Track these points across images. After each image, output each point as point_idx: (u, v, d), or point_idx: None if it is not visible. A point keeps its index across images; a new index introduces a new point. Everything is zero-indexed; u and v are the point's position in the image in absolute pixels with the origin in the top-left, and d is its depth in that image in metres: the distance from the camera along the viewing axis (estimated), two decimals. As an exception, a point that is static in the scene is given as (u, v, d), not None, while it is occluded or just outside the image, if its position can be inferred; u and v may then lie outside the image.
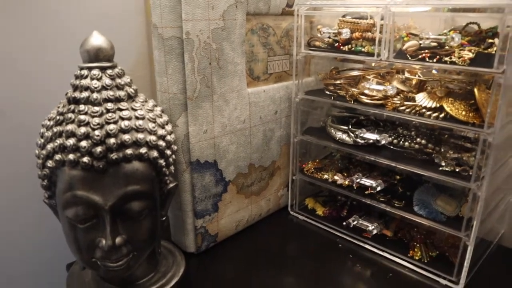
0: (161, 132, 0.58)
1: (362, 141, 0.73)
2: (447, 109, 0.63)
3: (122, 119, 0.54)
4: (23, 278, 0.80)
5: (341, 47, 0.72)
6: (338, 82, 0.76)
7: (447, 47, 0.61)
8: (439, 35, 0.66)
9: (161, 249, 0.67)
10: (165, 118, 0.61)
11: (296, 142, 0.83)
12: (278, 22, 0.79)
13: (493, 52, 0.59)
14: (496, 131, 0.59)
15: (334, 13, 0.76)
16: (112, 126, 0.52)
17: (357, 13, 0.72)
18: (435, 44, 0.63)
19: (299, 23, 0.75)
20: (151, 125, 0.56)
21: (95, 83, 0.54)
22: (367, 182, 0.74)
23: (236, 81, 0.71)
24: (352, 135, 0.75)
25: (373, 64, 0.77)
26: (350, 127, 0.76)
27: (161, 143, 0.57)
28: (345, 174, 0.81)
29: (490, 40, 0.63)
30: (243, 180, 0.78)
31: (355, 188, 0.77)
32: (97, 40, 0.56)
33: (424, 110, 0.65)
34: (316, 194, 0.93)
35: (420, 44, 0.63)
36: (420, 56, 0.63)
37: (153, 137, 0.56)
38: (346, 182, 0.79)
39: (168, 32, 0.63)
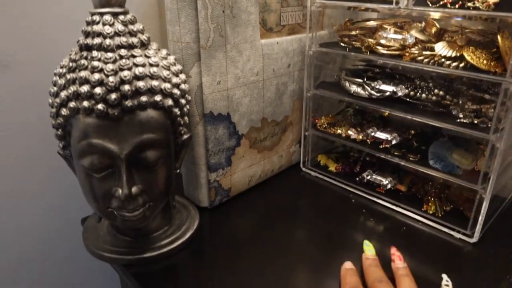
0: (175, 80, 0.56)
1: (378, 94, 0.72)
2: (468, 57, 0.61)
3: (136, 65, 0.52)
4: (38, 234, 0.80)
5: (359, -4, 0.70)
6: (353, 33, 0.74)
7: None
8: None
9: (175, 203, 0.67)
10: (178, 66, 0.59)
11: (309, 97, 0.81)
12: (292, -29, 0.76)
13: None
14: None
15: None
16: (126, 73, 0.51)
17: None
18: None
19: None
20: (165, 73, 0.55)
21: (108, 29, 0.53)
22: (382, 135, 0.73)
23: (249, 31, 0.69)
24: (368, 87, 0.73)
25: (387, 15, 0.74)
26: (365, 79, 0.74)
27: (176, 91, 0.56)
28: (359, 129, 0.80)
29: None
30: (255, 135, 0.76)
31: (369, 142, 0.76)
32: (106, -16, 0.54)
33: (443, 60, 0.63)
34: (328, 150, 0.92)
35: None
36: (441, 2, 0.60)
37: (167, 85, 0.54)
38: (360, 137, 0.78)
39: (180, -23, 0.60)
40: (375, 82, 0.70)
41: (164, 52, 0.58)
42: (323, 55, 0.81)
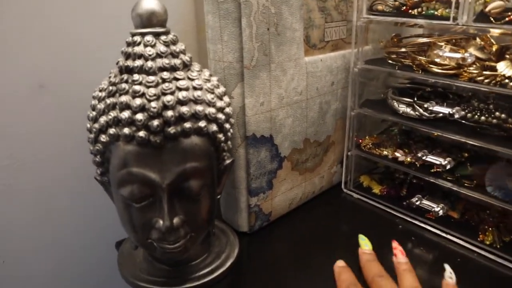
0: (220, 104, 0.53)
1: (430, 115, 0.67)
2: (535, 79, 0.56)
3: (180, 89, 0.49)
4: (71, 256, 0.78)
5: (409, 11, 0.65)
6: (403, 50, 0.69)
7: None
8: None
9: (214, 229, 0.63)
10: (222, 88, 0.56)
11: (353, 116, 0.77)
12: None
13: None
14: None
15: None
16: (169, 97, 0.48)
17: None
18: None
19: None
20: (209, 96, 0.52)
21: (149, 50, 0.50)
22: (435, 159, 0.68)
23: (294, 49, 0.65)
24: (419, 108, 0.68)
25: (437, 30, 0.70)
26: (415, 99, 0.69)
27: (221, 116, 0.53)
28: (406, 151, 0.75)
29: None
30: (298, 156, 0.73)
31: (418, 165, 0.72)
32: (149, 3, 0.51)
33: (507, 81, 0.58)
34: (370, 171, 0.87)
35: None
36: (507, 19, 0.56)
37: (212, 110, 0.51)
38: (408, 159, 0.73)
39: (224, -6, 0.57)
40: (428, 103, 0.66)
41: (207, 73, 0.55)
42: (367, 72, 0.77)
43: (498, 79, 0.60)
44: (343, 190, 0.84)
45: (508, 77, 0.58)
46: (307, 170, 0.76)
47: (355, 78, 0.74)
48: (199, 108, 0.50)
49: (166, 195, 0.49)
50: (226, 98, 0.56)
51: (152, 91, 0.48)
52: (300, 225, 0.74)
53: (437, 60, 0.64)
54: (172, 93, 0.49)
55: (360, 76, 0.75)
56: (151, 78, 0.49)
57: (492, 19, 0.57)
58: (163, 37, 0.51)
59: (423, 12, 0.64)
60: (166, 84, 0.49)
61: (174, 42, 0.52)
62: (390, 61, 0.72)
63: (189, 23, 0.81)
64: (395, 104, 0.72)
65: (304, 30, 0.67)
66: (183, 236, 0.52)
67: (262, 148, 0.65)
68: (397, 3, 0.67)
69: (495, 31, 0.62)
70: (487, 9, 0.57)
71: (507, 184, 0.64)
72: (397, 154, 0.74)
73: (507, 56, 0.62)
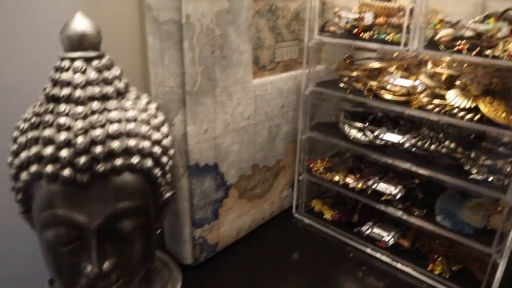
0: (156, 136, 0.49)
1: (381, 142, 0.65)
2: (484, 110, 0.55)
3: (110, 122, 0.45)
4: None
5: (361, 34, 0.63)
6: (354, 74, 0.67)
7: (488, 36, 0.53)
8: (475, 21, 0.58)
9: (155, 263, 0.59)
10: (160, 118, 0.52)
11: (304, 139, 0.75)
12: (288, 2, 0.69)
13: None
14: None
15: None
16: (98, 132, 0.43)
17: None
18: (471, 34, 0.55)
19: (312, 4, 0.66)
20: (144, 129, 0.47)
21: (78, 78, 0.45)
22: (385, 188, 0.67)
23: (241, 72, 0.62)
24: (370, 134, 0.67)
25: (394, 55, 0.68)
26: (367, 125, 0.67)
27: (157, 149, 0.48)
28: (358, 176, 0.73)
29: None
30: (245, 183, 0.69)
31: (369, 192, 0.70)
32: (81, 24, 0.47)
33: (456, 110, 0.57)
34: (322, 194, 0.85)
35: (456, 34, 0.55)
36: (456, 48, 0.54)
37: (147, 143, 0.47)
38: (360, 186, 0.71)
39: (164, 14, 0.53)
40: (379, 130, 0.64)
41: (144, 100, 0.51)
42: (319, 94, 0.74)
43: (447, 108, 0.58)
44: (294, 215, 0.81)
45: (458, 107, 0.57)
46: (256, 196, 0.73)
47: (306, 100, 0.72)
48: (131, 142, 0.45)
49: (95, 239, 0.44)
50: (164, 129, 0.51)
51: (79, 124, 0.43)
52: (249, 253, 0.71)
53: (388, 86, 0.62)
54: (102, 126, 0.44)
55: (311, 98, 0.72)
56: (79, 109, 0.44)
57: (442, 47, 0.55)
58: (95, 62, 0.47)
59: (375, 36, 0.62)
60: (96, 116, 0.44)
61: (108, 67, 0.48)
62: (342, 85, 0.70)
63: (133, 40, 0.76)
64: (347, 128, 0.70)
65: (253, 51, 0.64)
66: (115, 282, 0.47)
67: (206, 177, 0.61)
68: (348, 25, 0.64)
69: (445, 59, 0.61)
70: (437, 37, 0.56)
71: (456, 214, 0.63)
72: (348, 180, 0.72)
73: (457, 84, 0.61)
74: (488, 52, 0.52)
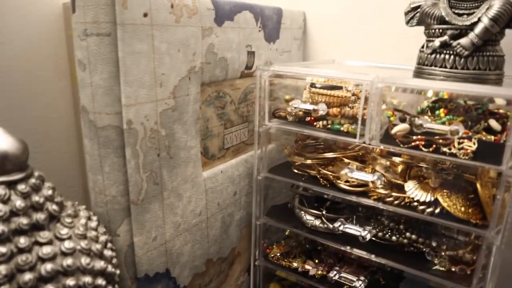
0: (99, 265, 0.43)
1: (339, 231, 0.63)
2: (444, 204, 0.54)
3: (42, 260, 0.39)
4: None
5: (315, 123, 0.61)
6: (308, 162, 0.65)
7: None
8: (424, 110, 0.58)
9: None
10: (102, 238, 0.46)
11: (259, 225, 0.71)
12: (235, 86, 0.66)
13: (501, 141, 0.51)
14: (503, 234, 0.50)
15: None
16: (27, 277, 0.37)
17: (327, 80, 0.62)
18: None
19: (261, 90, 0.63)
20: (85, 261, 0.42)
21: (0, 209, 0.39)
22: (348, 278, 0.64)
23: (190, 168, 0.58)
24: (328, 222, 0.64)
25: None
26: (324, 212, 0.65)
27: (100, 282, 0.43)
28: (316, 261, 0.70)
29: (485, 123, 0.55)
30: (200, 281, 0.64)
31: (332, 281, 0.66)
32: (1, 142, 0.41)
33: (416, 204, 0.56)
34: (279, 280, 0.80)
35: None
36: (412, 144, 0.53)
37: (88, 279, 0.41)
38: (319, 272, 0.68)
39: (102, 119, 0.48)
40: (338, 222, 0.61)
41: (82, 220, 0.45)
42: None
43: (407, 200, 0.57)
44: (252, 303, 0.76)
45: (417, 201, 0.55)
46: (211, 292, 0.67)
47: (259, 186, 0.68)
48: (70, 282, 0.39)
49: None
50: (107, 252, 0.46)
51: (2, 270, 0.37)
52: None
53: (345, 178, 0.60)
54: (31, 269, 0.38)
55: (264, 183, 0.69)
56: (2, 249, 0.38)
57: (398, 142, 0.54)
58: (21, 186, 0.41)
59: (329, 126, 0.60)
60: (24, 256, 0.38)
61: (37, 188, 0.42)
62: (296, 170, 0.67)
63: (70, 142, 0.69)
64: (303, 215, 0.67)
65: (201, 142, 0.60)
66: None
67: (157, 287, 0.56)
68: (301, 112, 0.62)
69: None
70: (392, 132, 0.55)
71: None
72: (308, 267, 0.69)
73: (416, 174, 0.59)
74: (445, 149, 0.51)
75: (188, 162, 0.57)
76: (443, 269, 0.57)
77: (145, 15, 0.47)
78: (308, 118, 0.62)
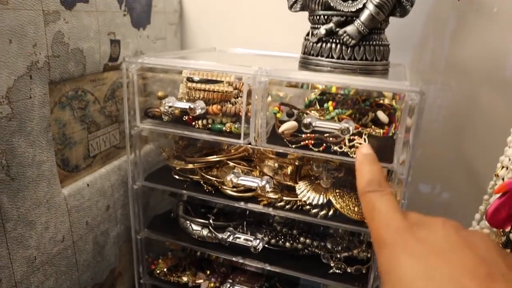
0: None
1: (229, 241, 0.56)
2: (337, 205, 0.50)
3: None
4: None
5: (193, 123, 0.53)
6: (190, 166, 0.57)
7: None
8: (312, 102, 0.53)
9: None
10: None
11: (140, 240, 0.62)
12: (99, 82, 0.56)
13: (389, 134, 0.48)
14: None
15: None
16: None
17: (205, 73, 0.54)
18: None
19: (130, 86, 0.54)
20: None
21: None
22: (241, 291, 0.58)
23: (43, 188, 0.47)
24: (216, 233, 0.57)
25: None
26: (211, 221, 0.58)
27: None
28: (208, 272, 0.63)
29: (372, 114, 0.52)
30: (71, 317, 0.54)
31: (225, 293, 0.60)
32: None
33: (308, 207, 0.51)
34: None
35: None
36: (302, 143, 0.48)
37: None
38: (212, 285, 0.61)
39: None
40: (226, 233, 0.55)
41: None
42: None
43: (299, 203, 0.52)
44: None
45: (310, 204, 0.51)
46: (87, 326, 0.57)
47: (136, 196, 0.59)
48: None
49: None
50: None
51: None
52: None
53: (231, 184, 0.53)
54: None
55: (142, 192, 0.60)
56: None
57: (286, 141, 0.49)
58: None
59: (210, 126, 0.53)
60: None
61: None
62: (177, 176, 0.59)
63: None
64: (189, 225, 0.59)
65: (57, 153, 0.49)
66: None
67: None
68: (177, 111, 0.54)
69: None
70: (280, 130, 0.49)
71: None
72: (199, 280, 0.62)
73: (303, 175, 0.55)
74: (335, 148, 0.47)
75: (39, 181, 0.46)
76: (339, 271, 0.54)
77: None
78: (185, 117, 0.54)
